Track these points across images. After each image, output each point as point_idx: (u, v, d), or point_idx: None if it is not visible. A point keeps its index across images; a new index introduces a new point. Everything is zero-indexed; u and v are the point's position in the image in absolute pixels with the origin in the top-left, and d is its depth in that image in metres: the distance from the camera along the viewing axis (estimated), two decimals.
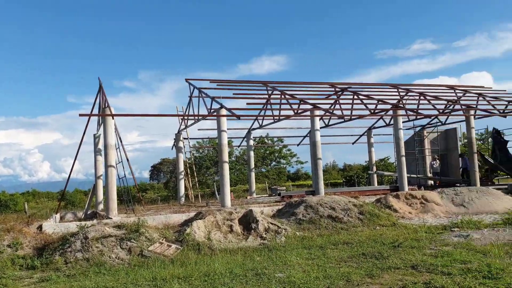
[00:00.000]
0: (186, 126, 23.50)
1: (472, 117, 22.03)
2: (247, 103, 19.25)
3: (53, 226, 12.88)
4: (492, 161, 22.61)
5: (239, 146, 31.47)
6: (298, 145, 30.10)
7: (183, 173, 24.37)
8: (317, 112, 18.92)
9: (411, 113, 21.19)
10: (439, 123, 27.86)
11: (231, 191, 29.33)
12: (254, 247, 11.39)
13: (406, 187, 19.68)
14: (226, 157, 17.26)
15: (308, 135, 28.49)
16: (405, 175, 19.95)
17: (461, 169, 24.80)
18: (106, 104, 15.88)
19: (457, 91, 27.02)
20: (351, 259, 8.85)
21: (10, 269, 10.01)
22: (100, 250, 10.44)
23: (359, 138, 30.25)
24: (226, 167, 17.22)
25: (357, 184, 38.00)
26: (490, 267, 7.15)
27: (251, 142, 26.92)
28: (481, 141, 38.93)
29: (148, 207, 19.81)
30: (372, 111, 21.19)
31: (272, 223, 13.53)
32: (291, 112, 20.98)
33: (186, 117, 22.33)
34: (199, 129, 27.05)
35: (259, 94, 21.68)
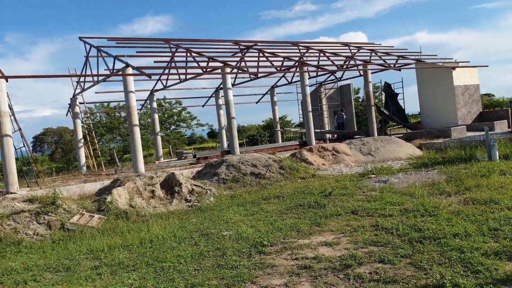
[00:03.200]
0: (83, 90, 21.65)
1: (369, 71, 23.40)
2: (155, 61, 18.23)
3: None
4: (387, 112, 24.45)
5: (140, 109, 30.00)
6: (203, 106, 29.62)
7: (81, 141, 22.63)
8: (228, 70, 18.56)
9: (315, 68, 21.84)
10: (336, 80, 29.35)
11: None
12: (182, 210, 11.05)
13: (314, 141, 20.49)
14: (136, 120, 16.28)
15: (213, 95, 28.16)
16: (312, 130, 20.71)
17: (338, 124, 26.71)
18: None
19: (351, 47, 28.43)
20: (290, 211, 8.95)
21: None
22: (13, 228, 9.28)
23: (262, 97, 30.66)
24: (137, 130, 16.27)
25: (260, 142, 38.81)
26: (424, 206, 7.69)
27: (155, 104, 25.81)
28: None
29: (51, 178, 18.13)
30: (279, 68, 21.41)
31: (195, 185, 13.20)
32: (199, 71, 20.38)
33: (84, 79, 20.53)
34: (96, 92, 25.26)
35: (163, 52, 20.62)
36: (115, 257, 6.77)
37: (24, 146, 14.64)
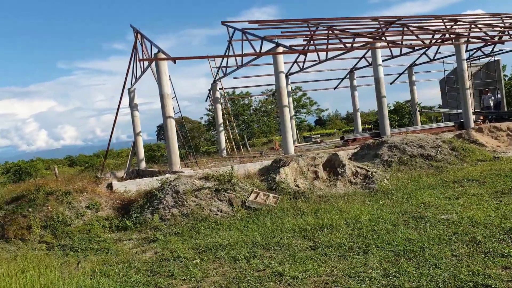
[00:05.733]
0: (225, 74, 21.94)
1: None
2: (304, 39, 17.65)
3: (123, 185, 11.72)
4: None
5: (274, 94, 29.92)
6: (335, 88, 28.60)
7: (222, 125, 23.04)
8: (379, 44, 17.30)
9: (477, 40, 19.57)
10: (484, 55, 26.34)
11: (274, 141, 28.14)
12: (352, 192, 10.29)
13: (472, 123, 18.39)
14: (285, 101, 15.83)
15: (348, 76, 26.97)
16: (471, 110, 18.62)
17: (491, 106, 23.51)
18: (157, 50, 14.28)
19: (504, 18, 25.25)
20: (505, 195, 7.65)
21: (100, 231, 8.90)
22: (197, 204, 9.28)
23: (398, 77, 28.68)
24: (287, 111, 15.83)
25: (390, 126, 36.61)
26: None
27: (289, 88, 25.41)
28: None
29: (205, 160, 18.65)
30: (429, 41, 19.56)
31: (359, 167, 12.33)
32: (340, 51, 19.38)
33: (226, 64, 20.80)
34: (234, 78, 25.64)
35: (304, 31, 19.96)
36: (330, 238, 6.18)
37: (184, 127, 15.01)
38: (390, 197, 8.86)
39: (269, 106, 48.05)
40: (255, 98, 47.17)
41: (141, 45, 16.93)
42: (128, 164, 20.23)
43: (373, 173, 11.92)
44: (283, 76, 15.89)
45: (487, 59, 26.50)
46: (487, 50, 26.02)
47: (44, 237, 8.87)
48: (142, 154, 20.21)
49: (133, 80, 19.33)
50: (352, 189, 10.88)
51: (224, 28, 19.86)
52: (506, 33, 22.45)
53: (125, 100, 19.40)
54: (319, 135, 36.62)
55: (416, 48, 19.59)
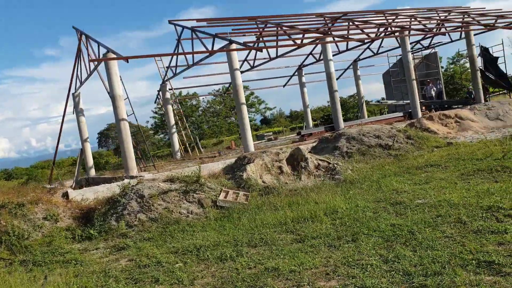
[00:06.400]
0: (175, 74, 21.42)
1: (472, 33, 21.59)
2: (255, 36, 17.54)
3: (80, 193, 11.09)
4: (493, 77, 22.47)
5: (225, 93, 29.68)
6: (284, 86, 28.79)
7: (174, 127, 22.49)
8: (328, 39, 17.55)
9: (420, 32, 20.36)
10: (422, 48, 27.54)
11: (231, 141, 27.90)
12: (317, 184, 10.32)
13: (420, 112, 19.12)
14: (243, 99, 15.68)
15: (296, 73, 27.24)
16: (418, 100, 19.34)
17: (433, 96, 24.62)
18: (106, 50, 13.63)
19: (439, 12, 26.54)
20: (470, 177, 7.93)
21: (62, 242, 8.32)
22: (166, 208, 8.91)
23: (343, 72, 29.31)
24: (245, 109, 15.68)
25: None
26: None
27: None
28: (453, 64, 39.53)
29: (162, 163, 18.09)
30: (375, 34, 20.12)
31: (320, 160, 12.43)
32: (290, 47, 19.50)
33: (176, 63, 20.29)
34: (184, 78, 25.12)
35: (253, 29, 19.90)
36: (313, 229, 6.10)
37: (139, 131, 14.46)
38: (359, 186, 8.96)
39: (218, 107, 47.72)
40: (203, 98, 46.70)
41: (86, 47, 16.16)
42: (76, 172, 19.33)
43: (335, 165, 12.03)
44: (238, 73, 15.72)
45: (427, 51, 27.78)
46: (425, 43, 27.26)
47: None
48: (91, 161, 19.32)
49: (78, 84, 18.43)
50: (317, 181, 10.93)
51: (164, 29, 20.45)
52: (443, 25, 23.59)
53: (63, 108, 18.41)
54: (271, 133, 36.80)
55: (365, 41, 20.04)
